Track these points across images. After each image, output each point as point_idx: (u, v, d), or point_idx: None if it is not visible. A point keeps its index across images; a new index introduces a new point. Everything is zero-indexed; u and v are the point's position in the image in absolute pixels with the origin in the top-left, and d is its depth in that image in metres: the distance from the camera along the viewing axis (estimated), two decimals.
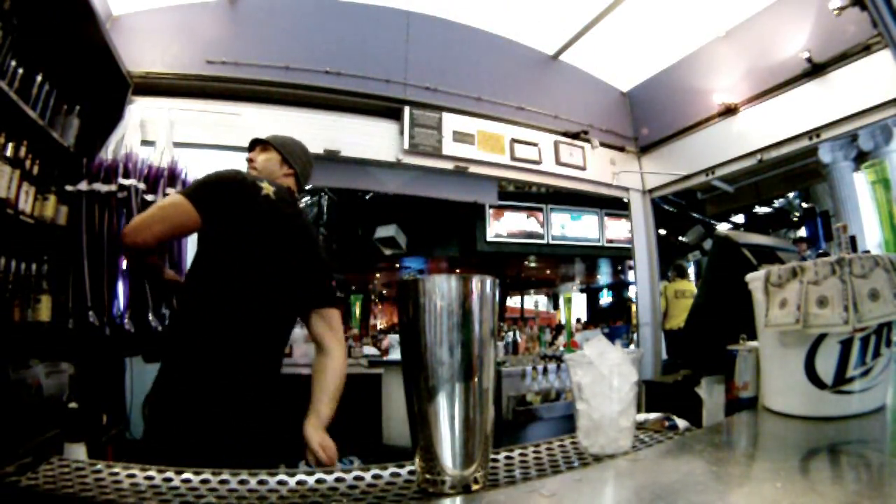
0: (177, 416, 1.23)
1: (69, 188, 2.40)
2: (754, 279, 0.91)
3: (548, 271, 11.81)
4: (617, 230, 8.59)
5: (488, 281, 0.66)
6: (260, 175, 1.53)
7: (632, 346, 4.82)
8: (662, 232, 7.50)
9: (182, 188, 1.41)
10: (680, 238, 8.75)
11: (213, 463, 0.80)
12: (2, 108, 1.90)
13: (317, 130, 3.35)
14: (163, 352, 1.35)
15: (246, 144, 1.70)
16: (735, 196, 6.82)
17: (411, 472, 0.76)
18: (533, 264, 10.54)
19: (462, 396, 0.63)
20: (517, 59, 4.10)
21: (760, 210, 8.73)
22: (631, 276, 6.52)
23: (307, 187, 1.77)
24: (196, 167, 2.80)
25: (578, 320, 10.32)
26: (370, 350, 4.81)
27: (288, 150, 1.63)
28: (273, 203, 1.41)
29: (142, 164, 2.61)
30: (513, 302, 14.87)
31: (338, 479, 0.75)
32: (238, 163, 1.83)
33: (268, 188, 1.42)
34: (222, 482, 0.74)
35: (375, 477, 0.76)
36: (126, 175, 2.51)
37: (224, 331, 1.30)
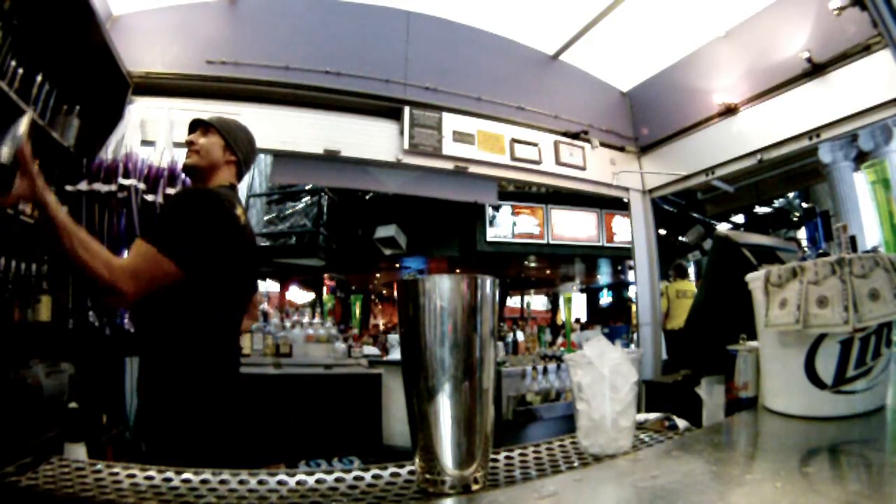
0: (200, 417, 1.24)
1: (69, 188, 2.40)
2: (754, 279, 0.91)
3: (548, 271, 11.80)
4: (618, 229, 8.58)
5: (488, 281, 0.66)
6: (200, 158, 1.46)
7: (632, 346, 4.81)
8: (662, 232, 7.50)
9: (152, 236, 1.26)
10: (680, 238, 8.75)
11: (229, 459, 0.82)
12: (2, 108, 1.90)
13: (317, 130, 3.35)
14: (157, 368, 1.27)
15: None
16: (735, 196, 6.82)
17: (411, 472, 0.76)
18: (533, 264, 10.53)
19: (462, 396, 0.63)
20: (517, 59, 4.09)
21: (760, 210, 8.73)
22: (631, 276, 6.52)
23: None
24: None
25: (577, 320, 10.29)
26: (370, 350, 4.82)
27: (233, 137, 1.51)
28: (245, 227, 1.39)
29: (142, 164, 2.61)
30: (513, 302, 14.87)
31: (338, 479, 0.75)
32: None
33: (241, 212, 1.38)
34: (222, 482, 0.74)
35: (375, 477, 0.76)
36: (126, 175, 2.52)
37: (220, 337, 1.35)
